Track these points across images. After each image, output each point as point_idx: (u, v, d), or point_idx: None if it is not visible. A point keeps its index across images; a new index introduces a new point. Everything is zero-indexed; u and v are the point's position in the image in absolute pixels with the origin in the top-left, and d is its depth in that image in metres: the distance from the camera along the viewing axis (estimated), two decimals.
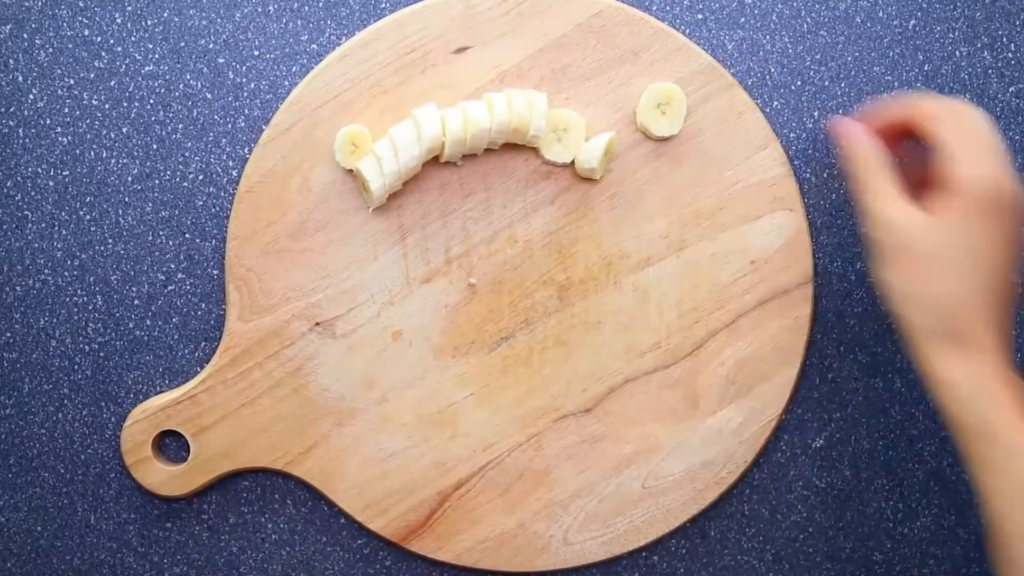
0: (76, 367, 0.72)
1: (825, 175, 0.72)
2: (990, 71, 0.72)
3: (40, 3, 0.71)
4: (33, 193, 0.71)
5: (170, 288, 0.72)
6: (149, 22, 0.71)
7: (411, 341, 0.70)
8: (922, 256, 0.56)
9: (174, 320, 0.72)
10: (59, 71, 0.71)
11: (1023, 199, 0.57)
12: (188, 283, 0.72)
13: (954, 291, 0.55)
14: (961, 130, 0.58)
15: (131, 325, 0.72)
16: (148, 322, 0.72)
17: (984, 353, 0.54)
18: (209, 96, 0.71)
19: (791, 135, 0.72)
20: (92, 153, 0.71)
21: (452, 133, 0.66)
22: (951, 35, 0.72)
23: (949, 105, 0.60)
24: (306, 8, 0.71)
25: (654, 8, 0.71)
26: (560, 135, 0.69)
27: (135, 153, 0.71)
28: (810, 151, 0.72)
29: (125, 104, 0.71)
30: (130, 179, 0.71)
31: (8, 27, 0.71)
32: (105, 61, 0.71)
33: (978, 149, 0.57)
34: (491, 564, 0.71)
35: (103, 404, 0.72)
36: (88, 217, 0.72)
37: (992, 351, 0.54)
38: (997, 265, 0.56)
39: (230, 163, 0.71)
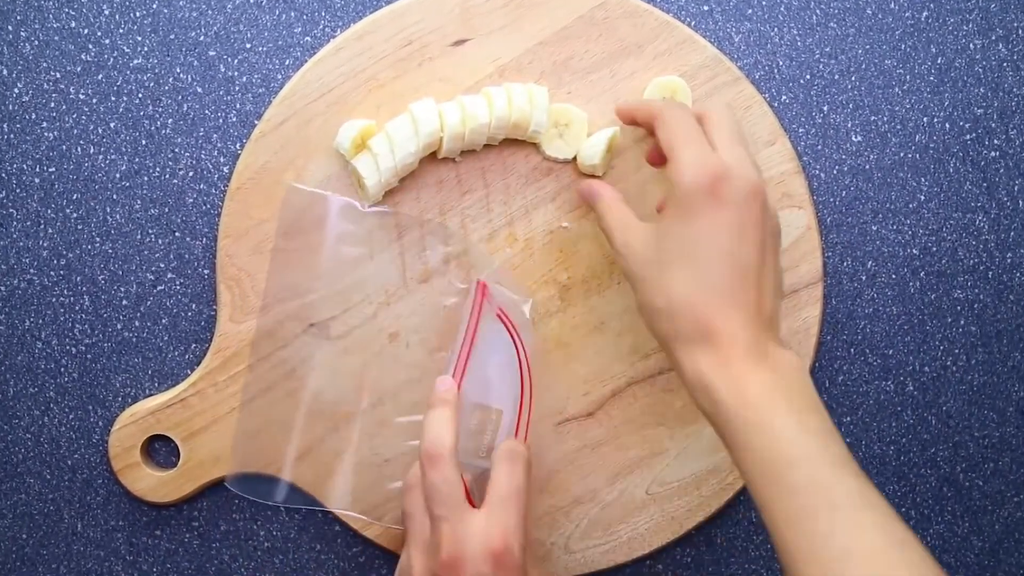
0: (62, 369, 0.71)
1: (835, 171, 0.71)
2: (1005, 64, 0.71)
3: None
4: (18, 190, 0.70)
5: (159, 288, 0.71)
6: (138, 14, 0.70)
7: (408, 343, 0.68)
8: (649, 265, 0.57)
9: (163, 321, 0.71)
10: (45, 64, 0.70)
11: (752, 181, 0.56)
12: (178, 283, 0.70)
13: (682, 292, 0.55)
14: (674, 130, 0.58)
15: (119, 326, 0.71)
16: (137, 323, 0.71)
17: (732, 347, 0.54)
18: (200, 90, 0.70)
19: (800, 130, 0.70)
20: (79, 149, 0.70)
21: (450, 128, 0.65)
22: (965, 27, 0.71)
23: (666, 106, 0.60)
24: None
25: None
26: (561, 130, 0.67)
27: (123, 149, 0.70)
28: (819, 147, 0.71)
29: (113, 98, 0.70)
30: (118, 176, 0.70)
31: None
32: (92, 54, 0.70)
33: (688, 144, 0.57)
34: None
35: (90, 408, 0.71)
36: (75, 215, 0.70)
37: (741, 342, 0.54)
38: (726, 254, 0.55)
39: (221, 159, 0.70)
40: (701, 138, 0.58)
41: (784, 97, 0.71)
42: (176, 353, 0.71)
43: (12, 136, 0.70)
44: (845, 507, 0.49)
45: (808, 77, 0.71)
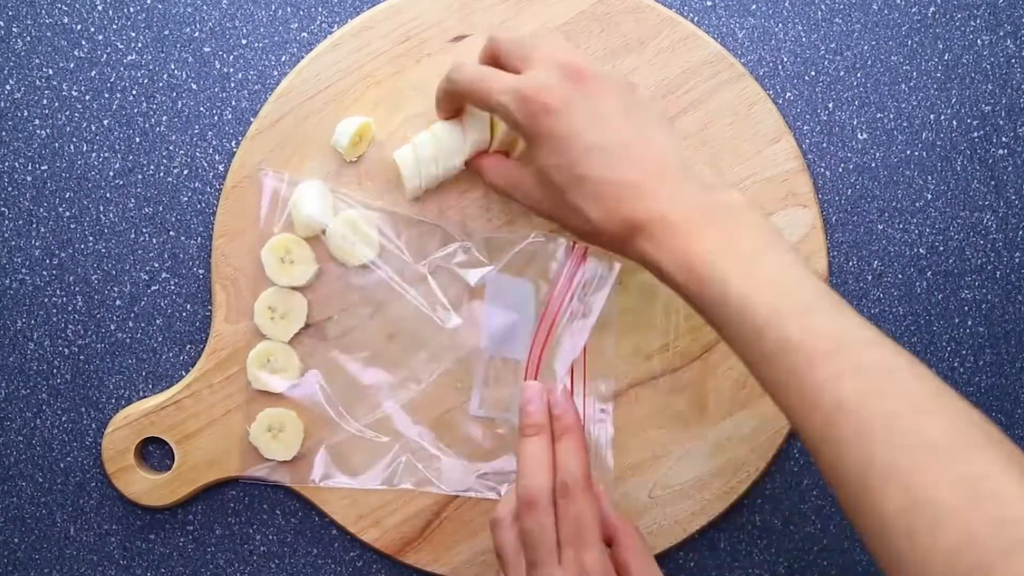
0: (55, 371, 0.70)
1: (840, 169, 0.70)
2: (1013, 60, 0.70)
3: None
4: (10, 188, 0.69)
5: (153, 288, 0.70)
6: (131, 9, 0.69)
7: (406, 344, 0.67)
8: (554, 204, 0.58)
9: (158, 322, 0.70)
10: (37, 60, 0.69)
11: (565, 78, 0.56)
12: (172, 283, 0.69)
13: (592, 212, 0.56)
14: (467, 87, 0.59)
15: (113, 327, 0.70)
16: (130, 324, 0.70)
17: (660, 225, 0.53)
18: (194, 87, 0.69)
19: (805, 127, 0.69)
20: (72, 147, 0.69)
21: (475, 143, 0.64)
22: (972, 23, 0.69)
23: (452, 69, 0.60)
24: None
25: None
26: None
27: (117, 147, 0.69)
28: (824, 144, 0.70)
29: (106, 95, 0.69)
30: (112, 174, 0.69)
31: None
32: (85, 50, 0.69)
33: (492, 91, 0.57)
34: None
35: (83, 410, 0.70)
36: (68, 214, 0.69)
37: (665, 215, 0.53)
38: (595, 152, 0.55)
39: (216, 157, 0.69)
40: (494, 74, 0.58)
41: (788, 94, 0.70)
42: (170, 354, 0.70)
43: (4, 133, 0.69)
44: (821, 360, 0.49)
45: (813, 74, 0.70)
